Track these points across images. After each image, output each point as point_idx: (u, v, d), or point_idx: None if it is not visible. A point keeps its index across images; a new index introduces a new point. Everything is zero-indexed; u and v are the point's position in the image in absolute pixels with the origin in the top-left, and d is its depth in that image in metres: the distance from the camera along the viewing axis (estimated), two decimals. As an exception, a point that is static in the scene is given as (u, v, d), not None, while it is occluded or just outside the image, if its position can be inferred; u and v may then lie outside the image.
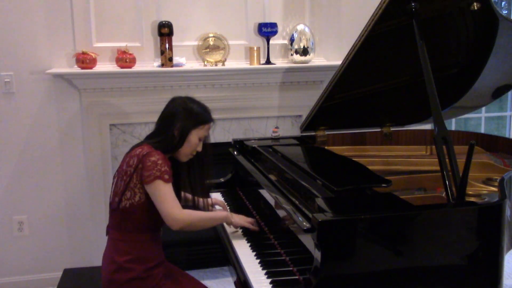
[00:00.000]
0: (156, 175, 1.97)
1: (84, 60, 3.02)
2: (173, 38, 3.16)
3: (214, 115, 3.42)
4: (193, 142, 2.11)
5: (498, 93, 2.67)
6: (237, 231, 2.16)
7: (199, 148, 2.15)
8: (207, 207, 2.33)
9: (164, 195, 1.98)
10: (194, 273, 2.31)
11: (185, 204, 2.25)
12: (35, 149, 3.19)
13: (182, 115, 2.09)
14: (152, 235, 2.09)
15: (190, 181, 2.24)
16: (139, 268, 2.03)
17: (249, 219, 2.14)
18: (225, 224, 2.20)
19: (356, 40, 2.18)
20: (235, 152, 2.72)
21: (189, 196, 2.29)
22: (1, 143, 3.15)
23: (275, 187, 2.06)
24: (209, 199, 2.47)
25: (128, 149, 2.14)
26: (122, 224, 2.06)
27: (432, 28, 2.21)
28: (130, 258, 2.03)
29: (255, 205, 2.36)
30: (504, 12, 4.40)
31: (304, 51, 3.30)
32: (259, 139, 2.84)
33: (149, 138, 2.15)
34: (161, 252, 2.14)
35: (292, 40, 3.32)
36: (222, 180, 2.76)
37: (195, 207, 2.26)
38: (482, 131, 4.42)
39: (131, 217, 2.03)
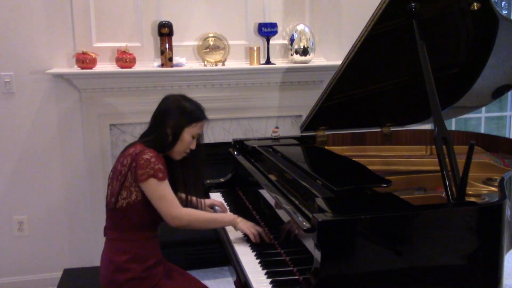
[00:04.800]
0: (149, 173, 1.96)
1: (84, 60, 3.02)
2: (173, 38, 3.16)
3: (214, 115, 3.42)
4: (186, 140, 2.09)
5: (498, 93, 2.67)
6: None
7: (193, 146, 2.13)
8: (202, 207, 2.31)
9: (161, 194, 1.98)
10: (194, 273, 2.31)
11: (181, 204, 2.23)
12: (35, 149, 3.19)
13: (175, 112, 2.08)
14: (150, 234, 2.08)
15: (184, 181, 2.21)
16: (138, 267, 2.02)
17: (255, 229, 2.05)
18: None
19: (356, 40, 2.18)
20: (235, 152, 2.72)
21: (183, 196, 2.26)
22: (1, 143, 3.15)
23: (275, 187, 2.06)
24: (207, 200, 2.46)
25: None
26: (119, 224, 2.05)
27: (432, 28, 2.21)
28: (128, 258, 2.02)
29: (255, 205, 2.36)
30: (504, 12, 4.40)
31: (304, 51, 3.30)
32: (259, 139, 2.84)
33: (143, 136, 2.14)
34: (159, 251, 2.13)
35: (292, 40, 3.32)
36: (222, 180, 2.76)
37: (188, 206, 2.23)
38: (482, 131, 4.42)
39: (128, 216, 2.03)
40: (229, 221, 2.10)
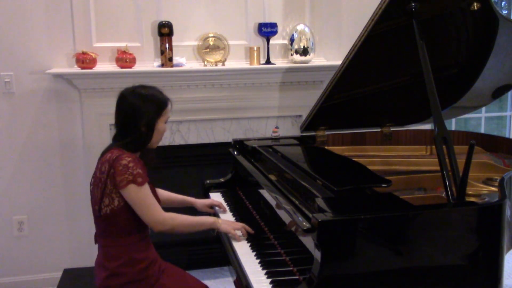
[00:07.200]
0: (128, 180, 1.93)
1: (84, 60, 3.02)
2: (173, 38, 3.16)
3: (214, 115, 3.42)
4: (161, 129, 2.09)
5: (498, 93, 2.67)
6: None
7: (166, 129, 2.14)
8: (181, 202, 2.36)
9: (141, 200, 1.96)
10: (194, 273, 2.31)
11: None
12: (35, 149, 3.19)
13: (143, 108, 2.03)
14: (139, 236, 2.05)
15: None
16: (132, 271, 2.00)
17: (237, 226, 2.08)
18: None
19: (356, 40, 2.18)
20: (235, 152, 2.72)
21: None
22: (1, 143, 3.15)
23: (275, 187, 2.06)
24: (206, 200, 2.47)
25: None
26: (108, 230, 2.03)
27: (432, 28, 2.21)
28: (122, 263, 2.00)
29: (255, 205, 2.36)
30: (504, 12, 4.40)
31: (304, 51, 3.30)
32: (259, 139, 2.84)
33: (116, 139, 2.09)
34: (152, 250, 2.11)
35: (292, 40, 3.32)
36: (222, 180, 2.76)
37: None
38: (482, 131, 4.42)
39: (114, 222, 2.00)
40: (211, 223, 2.10)
